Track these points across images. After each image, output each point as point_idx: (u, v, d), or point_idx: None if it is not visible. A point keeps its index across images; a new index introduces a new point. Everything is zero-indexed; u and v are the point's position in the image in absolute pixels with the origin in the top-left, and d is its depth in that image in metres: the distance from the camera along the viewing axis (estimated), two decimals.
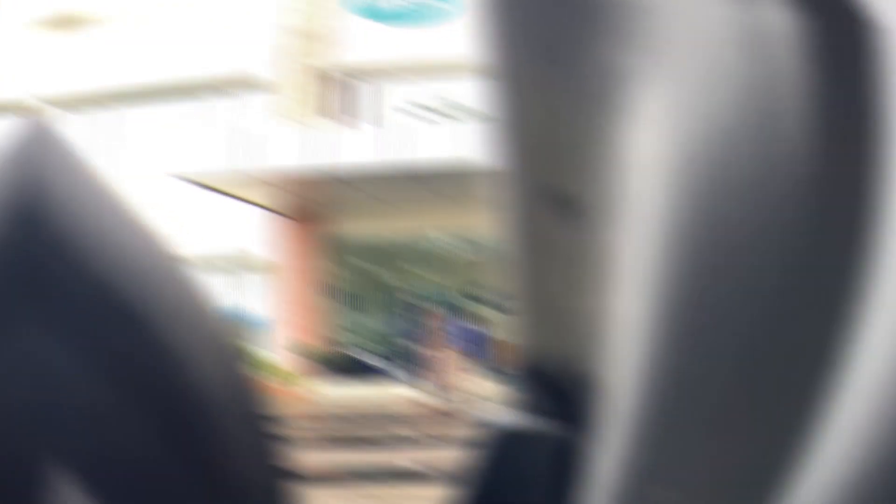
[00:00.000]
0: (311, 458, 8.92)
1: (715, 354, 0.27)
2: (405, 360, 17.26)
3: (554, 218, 0.38)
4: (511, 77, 0.37)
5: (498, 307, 23.76)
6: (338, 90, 19.87)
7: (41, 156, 0.33)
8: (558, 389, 0.42)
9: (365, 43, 20.03)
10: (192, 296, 0.38)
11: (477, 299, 22.92)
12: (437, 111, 20.51)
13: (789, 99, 0.26)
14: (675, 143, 0.29)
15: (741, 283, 0.27)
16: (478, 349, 18.81)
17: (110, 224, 0.34)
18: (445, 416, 12.18)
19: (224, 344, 0.39)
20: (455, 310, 18.62)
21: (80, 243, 0.32)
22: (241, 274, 19.94)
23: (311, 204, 19.05)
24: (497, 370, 17.71)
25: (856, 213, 0.24)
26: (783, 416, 0.26)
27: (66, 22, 19.21)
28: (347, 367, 19.76)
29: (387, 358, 20.41)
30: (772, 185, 0.26)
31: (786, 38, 0.26)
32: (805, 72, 0.25)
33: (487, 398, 13.54)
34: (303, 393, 18.12)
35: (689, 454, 0.28)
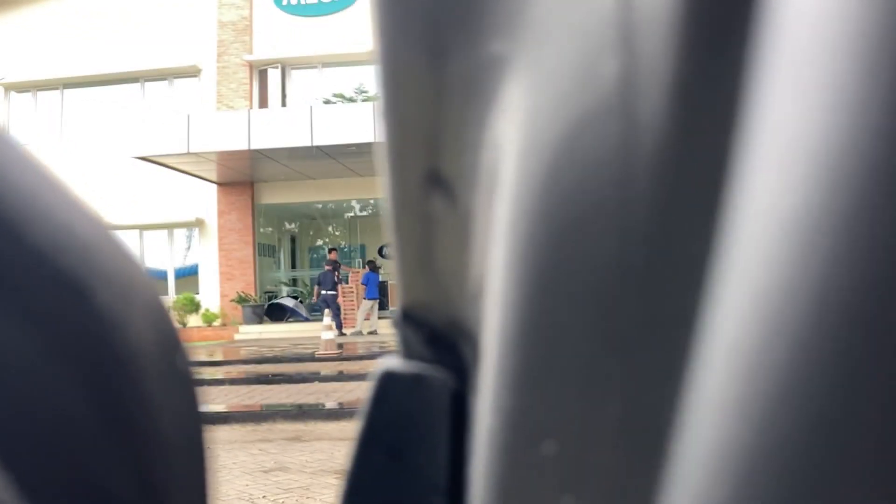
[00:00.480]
0: (231, 395, 10.84)
1: (572, 309, 0.29)
2: (324, 305, 20.87)
3: (429, 194, 0.40)
4: (391, 65, 0.39)
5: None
6: (266, 79, 22.75)
7: None
8: (437, 339, 0.43)
9: (290, 35, 22.84)
10: (128, 264, 0.39)
11: (386, 255, 25.96)
12: (352, 97, 23.53)
13: (651, 91, 0.28)
14: (532, 128, 0.31)
15: (590, 249, 0.29)
16: (384, 297, 22.07)
17: (45, 199, 0.35)
18: (354, 355, 14.71)
19: (158, 309, 0.40)
20: (370, 264, 21.54)
21: (14, 217, 0.34)
22: (193, 236, 22.71)
23: (245, 176, 21.82)
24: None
25: (708, 199, 0.26)
26: (646, 374, 0.28)
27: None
28: (273, 311, 22.69)
29: (301, 301, 23.46)
30: (620, 165, 0.28)
31: (658, 28, 0.27)
32: (672, 66, 0.27)
33: (392, 341, 16.00)
34: (234, 333, 21.17)
35: (561, 408, 0.30)
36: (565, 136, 0.31)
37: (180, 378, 0.43)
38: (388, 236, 0.50)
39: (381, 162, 0.47)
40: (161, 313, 0.44)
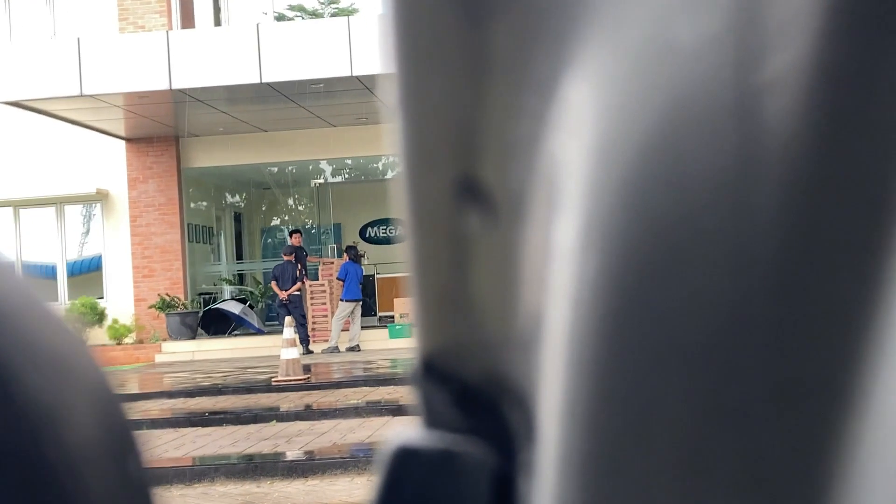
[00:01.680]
0: (150, 444, 11.12)
1: (671, 366, 0.31)
2: (284, 311, 20.94)
3: (462, 207, 0.43)
4: (414, 31, 0.41)
5: (394, 239, 26.78)
6: None
7: None
8: (471, 399, 0.45)
9: None
10: (63, 337, 0.43)
11: (371, 238, 26.06)
12: (316, 10, 23.30)
13: (780, 84, 0.29)
14: (612, 126, 0.33)
15: (694, 286, 0.30)
16: (369, 297, 22.08)
17: None
18: (328, 381, 14.85)
19: (104, 396, 0.44)
20: (348, 251, 21.69)
21: None
22: (92, 216, 22.66)
23: (166, 129, 21.85)
24: (394, 320, 20.96)
25: (858, 227, 0.28)
26: (765, 458, 0.29)
27: None
28: (212, 321, 22.82)
29: (251, 306, 23.56)
30: (735, 179, 0.30)
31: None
32: (810, 51, 0.29)
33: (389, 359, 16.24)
34: (155, 353, 21.19)
35: (655, 499, 0.31)
36: (658, 140, 0.32)
37: (134, 488, 0.43)
38: (406, 261, 0.49)
39: (398, 164, 0.47)
40: (109, 401, 0.44)
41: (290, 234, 22.86)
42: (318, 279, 22.48)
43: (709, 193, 0.31)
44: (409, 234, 0.48)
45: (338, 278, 21.58)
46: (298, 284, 21.01)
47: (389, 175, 26.54)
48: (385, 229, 27.32)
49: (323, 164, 26.37)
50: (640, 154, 0.33)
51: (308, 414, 13.10)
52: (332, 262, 23.11)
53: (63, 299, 23.03)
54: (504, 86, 0.40)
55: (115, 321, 22.46)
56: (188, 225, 23.76)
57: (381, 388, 14.83)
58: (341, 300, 21.22)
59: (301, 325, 20.58)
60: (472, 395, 0.45)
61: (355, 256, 21.93)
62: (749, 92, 0.30)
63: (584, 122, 0.35)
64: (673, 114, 0.32)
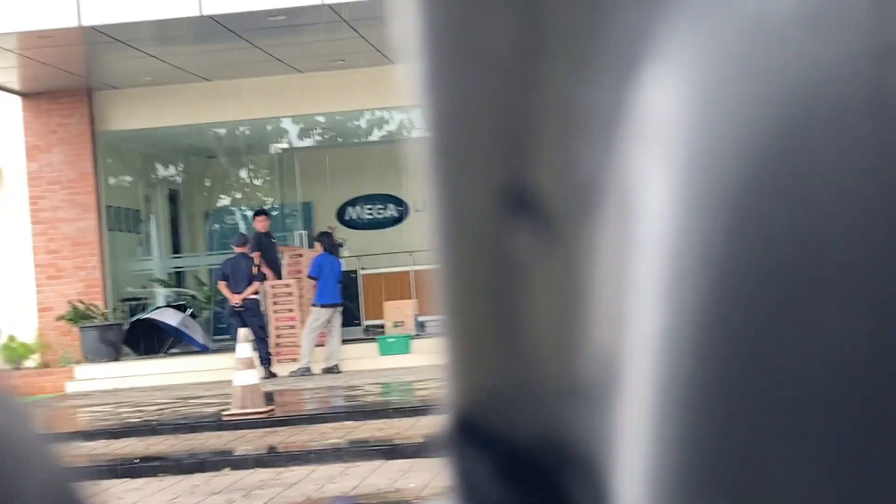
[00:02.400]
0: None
1: (792, 426, 0.32)
2: (238, 321, 20.90)
3: (510, 221, 0.45)
4: (460, 22, 0.44)
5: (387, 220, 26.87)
6: None
7: None
8: (520, 467, 0.47)
9: None
10: (10, 418, 0.50)
11: (352, 221, 26.07)
12: None
13: None
14: (709, 118, 0.35)
15: (826, 334, 0.31)
16: (351, 301, 22.07)
17: None
18: (298, 414, 14.79)
19: (57, 485, 0.51)
20: (322, 239, 21.69)
21: None
22: None
23: (75, 80, 21.90)
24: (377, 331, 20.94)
25: None
26: None
27: None
28: (142, 336, 22.88)
29: (194, 315, 23.57)
30: (874, 188, 0.32)
31: None
32: None
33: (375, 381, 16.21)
34: (66, 380, 21.16)
35: None
36: (771, 142, 0.34)
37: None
38: (435, 288, 0.52)
39: (427, 169, 0.49)
40: (63, 491, 0.49)
41: (254, 215, 22.92)
42: (281, 277, 22.42)
43: (841, 208, 0.31)
44: (441, 256, 0.49)
45: (309, 276, 21.60)
46: (256, 285, 20.99)
47: (377, 136, 26.57)
48: (371, 209, 27.34)
49: (286, 124, 26.40)
50: (747, 160, 0.33)
51: (272, 459, 13.08)
52: (301, 255, 23.11)
53: None
54: (565, 73, 0.41)
55: (12, 339, 22.48)
56: (107, 208, 23.78)
57: (369, 422, 14.81)
58: (314, 305, 21.26)
59: (261, 340, 20.59)
60: (524, 462, 0.47)
61: (331, 246, 21.93)
62: (893, 78, 0.31)
63: (671, 119, 0.36)
64: (790, 109, 0.33)
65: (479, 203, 0.46)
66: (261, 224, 22.01)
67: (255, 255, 21.11)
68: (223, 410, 16.10)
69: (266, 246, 21.54)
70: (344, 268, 22.30)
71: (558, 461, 0.46)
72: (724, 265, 0.34)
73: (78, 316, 22.33)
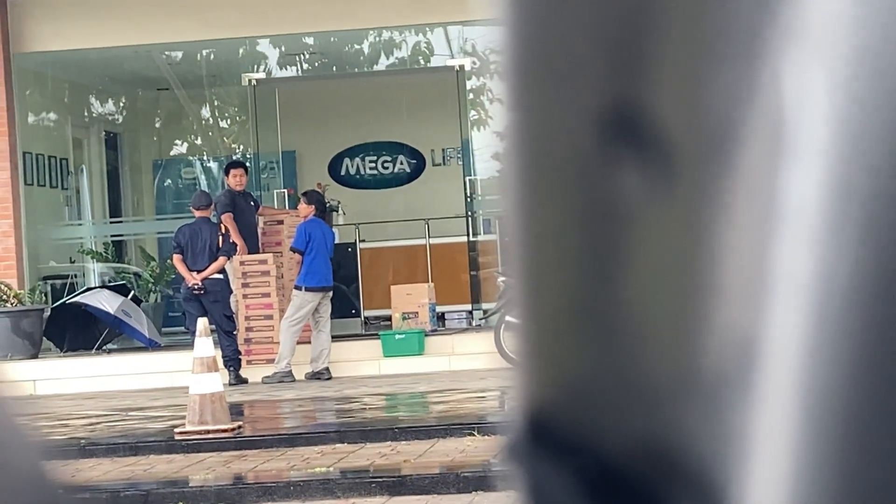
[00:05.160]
0: None
1: None
2: (195, 309, 21.11)
3: (617, 162, 0.46)
4: None
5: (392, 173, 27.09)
6: None
7: None
8: (617, 482, 0.50)
9: None
10: None
11: (349, 178, 26.14)
12: None
13: None
14: (886, 49, 0.37)
15: None
16: (347, 284, 22.06)
17: None
18: (279, 432, 14.80)
19: (43, 485, 0.63)
20: (308, 198, 21.68)
21: None
22: None
23: None
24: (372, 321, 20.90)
25: None
26: None
27: None
28: (68, 325, 23.07)
29: (138, 300, 23.66)
30: None
31: None
32: None
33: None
34: None
35: None
36: None
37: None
38: (503, 250, 0.53)
39: (498, 86, 0.51)
40: (49, 492, 0.55)
41: (226, 168, 22.94)
42: (258, 251, 22.44)
43: None
44: (517, 208, 0.48)
45: (293, 248, 21.67)
46: (222, 261, 20.99)
47: (384, 65, 26.58)
48: (374, 162, 27.39)
49: (263, 46, 26.55)
50: None
51: (240, 492, 13.09)
52: (282, 221, 23.10)
53: None
54: None
55: None
56: (24, 155, 23.89)
57: (368, 445, 14.87)
58: (297, 288, 21.33)
59: (226, 334, 20.76)
60: (616, 476, 0.47)
61: (322, 210, 21.90)
62: None
63: (840, 31, 0.37)
64: None
65: (574, 134, 0.45)
66: (235, 180, 22.06)
67: (226, 217, 21.02)
68: (175, 427, 16.15)
69: (242, 209, 21.49)
70: (337, 240, 22.27)
71: (661, 475, 0.47)
72: None
73: None
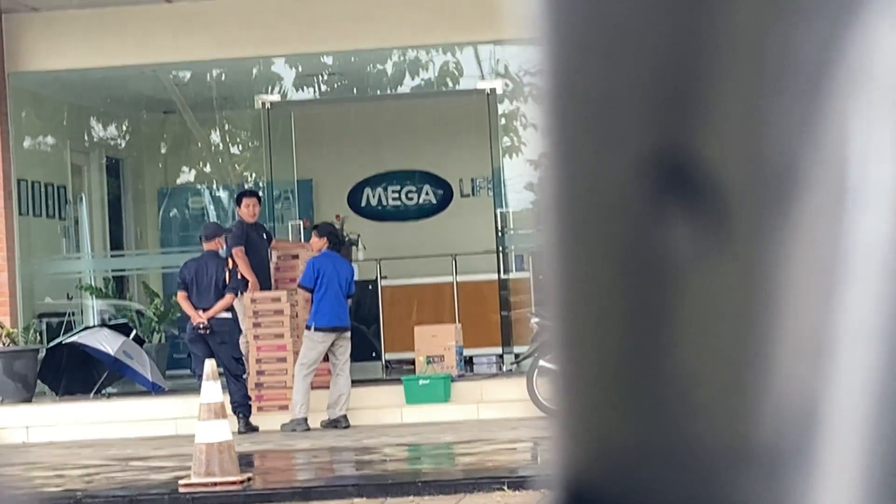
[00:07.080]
0: None
1: None
2: (202, 350, 21.03)
3: (667, 209, 0.47)
4: None
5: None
6: None
7: None
8: None
9: None
10: None
11: (369, 210, 26.09)
12: None
13: None
14: None
15: None
16: (367, 325, 21.96)
17: None
18: (289, 486, 14.81)
19: None
20: (320, 231, 21.57)
21: None
22: None
23: None
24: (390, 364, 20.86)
25: None
26: None
27: None
28: (64, 368, 22.81)
29: (140, 340, 23.56)
30: None
31: None
32: None
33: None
34: None
35: None
36: None
37: None
38: (538, 305, 0.50)
39: (537, 126, 0.50)
40: None
41: (238, 198, 22.89)
42: (270, 287, 22.35)
43: None
44: (558, 258, 0.50)
45: (300, 286, 21.66)
46: (230, 298, 20.88)
47: (409, 87, 26.48)
48: (397, 192, 27.26)
49: (278, 66, 26.57)
50: None
51: None
52: (297, 256, 22.98)
53: None
54: (758, 5, 0.43)
55: None
56: (19, 182, 23.87)
57: (389, 500, 14.83)
58: (307, 328, 21.26)
59: (235, 378, 20.71)
60: None
61: (336, 242, 21.79)
62: None
63: None
64: None
65: (620, 180, 0.45)
66: (247, 211, 21.98)
67: (237, 252, 20.91)
68: (179, 478, 16.08)
69: (254, 242, 21.38)
70: (357, 276, 22.16)
71: None
72: None
73: None
